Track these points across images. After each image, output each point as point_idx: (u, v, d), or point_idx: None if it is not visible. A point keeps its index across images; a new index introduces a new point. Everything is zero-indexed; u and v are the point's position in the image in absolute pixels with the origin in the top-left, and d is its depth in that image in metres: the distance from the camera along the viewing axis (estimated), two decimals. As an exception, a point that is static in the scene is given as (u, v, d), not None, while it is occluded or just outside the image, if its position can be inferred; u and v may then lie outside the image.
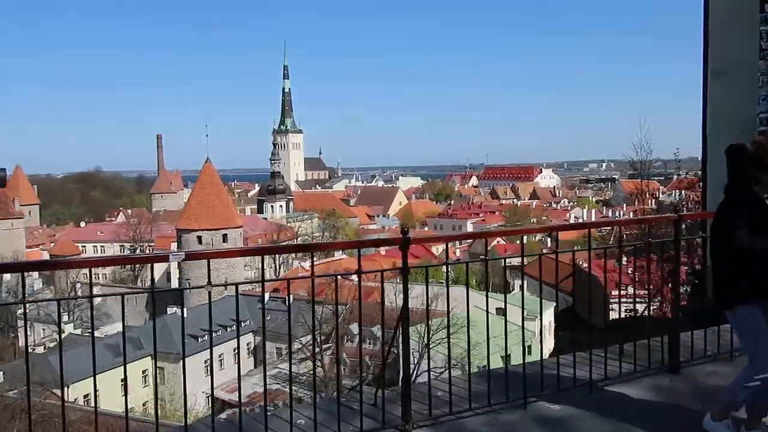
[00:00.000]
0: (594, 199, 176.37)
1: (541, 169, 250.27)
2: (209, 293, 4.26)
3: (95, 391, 5.01)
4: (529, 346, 46.76)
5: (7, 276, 77.44)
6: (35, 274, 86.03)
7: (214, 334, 56.58)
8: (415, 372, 35.92)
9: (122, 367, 51.79)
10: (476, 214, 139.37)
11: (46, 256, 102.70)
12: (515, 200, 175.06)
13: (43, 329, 68.25)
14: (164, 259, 4.41)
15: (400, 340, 5.15)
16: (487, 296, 6.30)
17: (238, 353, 6.11)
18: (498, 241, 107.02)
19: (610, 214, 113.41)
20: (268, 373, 50.46)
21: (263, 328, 57.81)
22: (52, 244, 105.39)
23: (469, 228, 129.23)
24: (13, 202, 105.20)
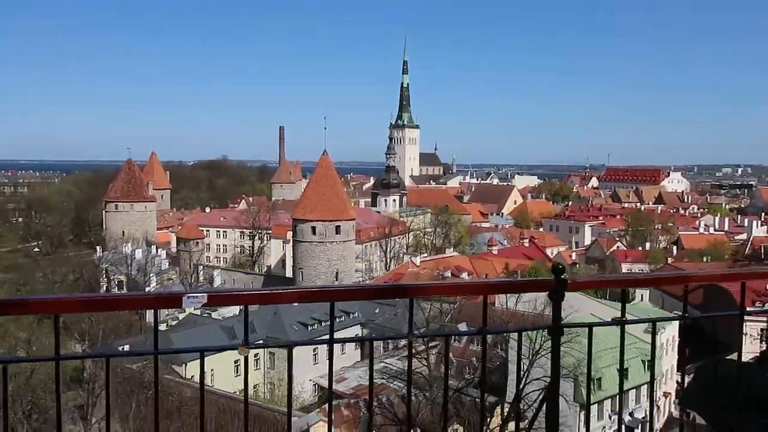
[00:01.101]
0: (727, 207, 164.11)
1: (668, 172, 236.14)
2: (245, 358, 3.03)
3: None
4: (650, 361, 43.13)
5: (138, 254, 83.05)
6: (163, 254, 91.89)
7: (323, 324, 57.24)
8: (523, 382, 34.27)
9: (235, 350, 53.88)
10: (595, 216, 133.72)
11: (173, 238, 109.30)
12: (638, 204, 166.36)
13: (168, 307, 72.42)
14: (176, 302, 2.94)
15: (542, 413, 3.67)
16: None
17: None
18: (618, 246, 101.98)
19: (745, 223, 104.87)
20: (373, 367, 50.68)
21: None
22: (180, 227, 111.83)
23: (587, 231, 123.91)
24: (147, 186, 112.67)
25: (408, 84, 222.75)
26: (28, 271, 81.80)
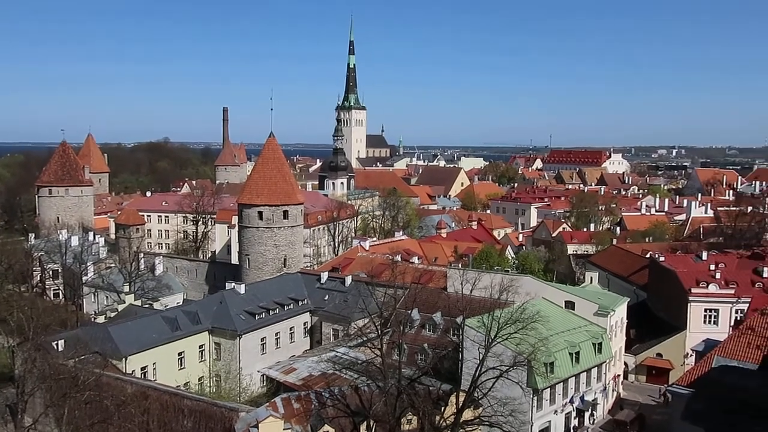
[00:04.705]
0: (666, 188, 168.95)
1: (609, 154, 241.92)
2: None
3: None
4: (600, 344, 43.25)
5: (74, 241, 79.15)
6: (101, 241, 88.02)
7: (271, 312, 55.44)
8: (478, 370, 33.62)
9: (180, 341, 51.13)
10: (541, 198, 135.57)
11: (112, 224, 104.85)
12: (581, 185, 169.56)
13: (106, 297, 69.16)
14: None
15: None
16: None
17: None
18: (564, 228, 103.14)
19: (685, 204, 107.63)
20: (324, 356, 48.85)
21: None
22: (119, 213, 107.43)
23: (533, 213, 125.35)
24: (83, 169, 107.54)
25: (354, 65, 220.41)
26: (-45, 260, 76.82)
